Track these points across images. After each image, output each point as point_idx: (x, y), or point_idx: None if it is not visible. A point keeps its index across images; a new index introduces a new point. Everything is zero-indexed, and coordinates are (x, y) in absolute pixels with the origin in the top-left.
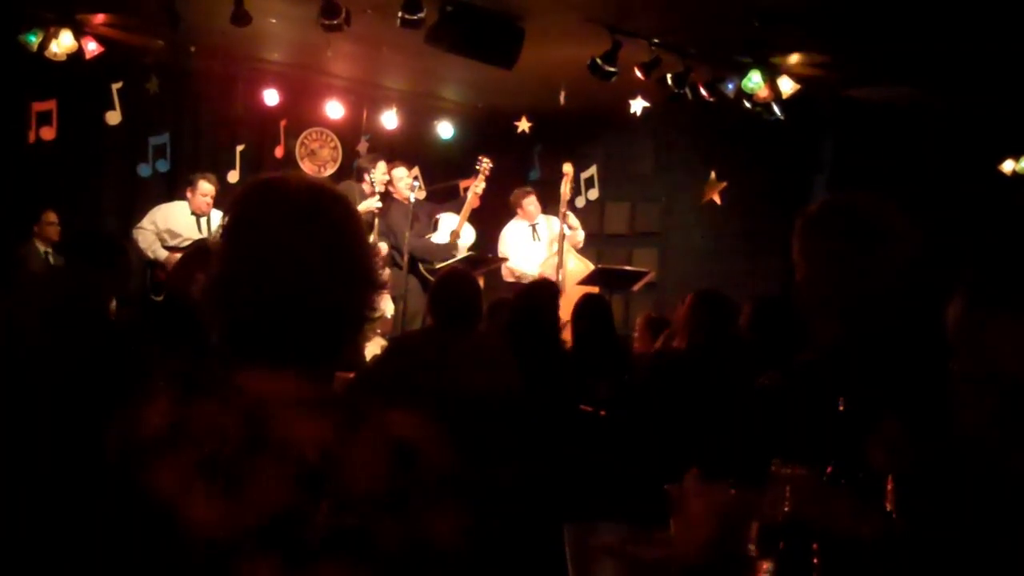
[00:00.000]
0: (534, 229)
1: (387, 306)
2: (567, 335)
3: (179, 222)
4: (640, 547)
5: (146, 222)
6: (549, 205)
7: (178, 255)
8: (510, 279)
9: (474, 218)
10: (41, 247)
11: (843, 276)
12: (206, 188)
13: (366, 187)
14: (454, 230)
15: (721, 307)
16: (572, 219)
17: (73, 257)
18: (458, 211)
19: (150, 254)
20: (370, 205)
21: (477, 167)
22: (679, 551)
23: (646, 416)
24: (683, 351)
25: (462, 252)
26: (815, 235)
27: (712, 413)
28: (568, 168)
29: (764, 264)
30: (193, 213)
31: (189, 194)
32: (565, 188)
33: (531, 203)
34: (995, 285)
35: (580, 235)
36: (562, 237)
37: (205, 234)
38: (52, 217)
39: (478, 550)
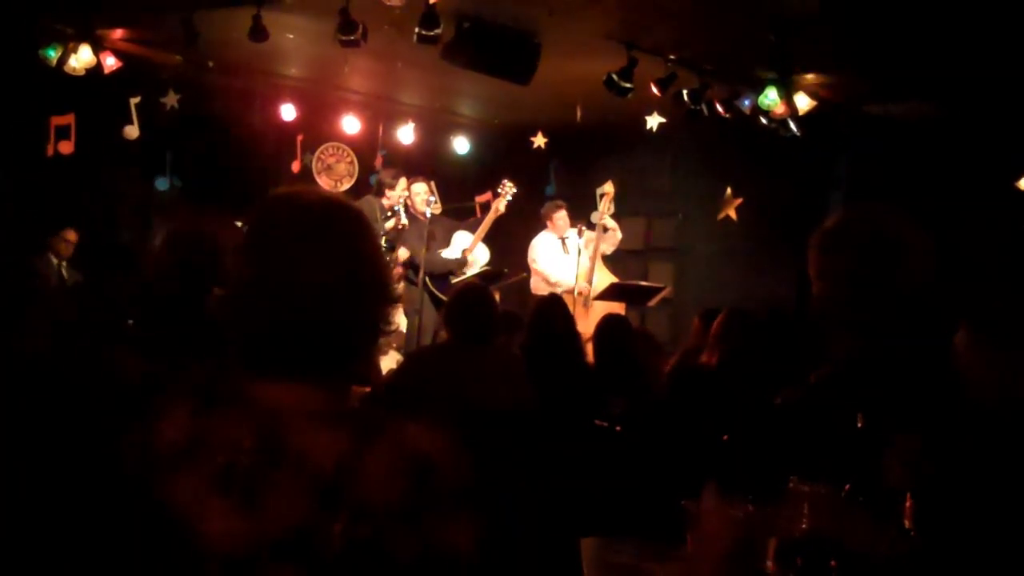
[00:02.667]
0: (563, 242)
1: (401, 321)
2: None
3: None
4: (657, 563)
5: None
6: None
7: None
8: (543, 290)
9: (489, 232)
10: (55, 260)
11: (860, 291)
12: None
13: (386, 202)
14: (466, 248)
15: (754, 326)
16: (609, 220)
17: (91, 268)
18: (475, 230)
19: None
20: (393, 224)
21: (500, 190)
22: (696, 567)
23: (665, 431)
24: (714, 367)
25: (473, 271)
26: (832, 251)
27: (733, 429)
28: (609, 187)
29: (780, 280)
30: None
31: None
32: (605, 207)
33: (561, 217)
34: (996, 322)
35: (618, 235)
36: (595, 252)
37: None
38: (72, 236)
39: (494, 564)
